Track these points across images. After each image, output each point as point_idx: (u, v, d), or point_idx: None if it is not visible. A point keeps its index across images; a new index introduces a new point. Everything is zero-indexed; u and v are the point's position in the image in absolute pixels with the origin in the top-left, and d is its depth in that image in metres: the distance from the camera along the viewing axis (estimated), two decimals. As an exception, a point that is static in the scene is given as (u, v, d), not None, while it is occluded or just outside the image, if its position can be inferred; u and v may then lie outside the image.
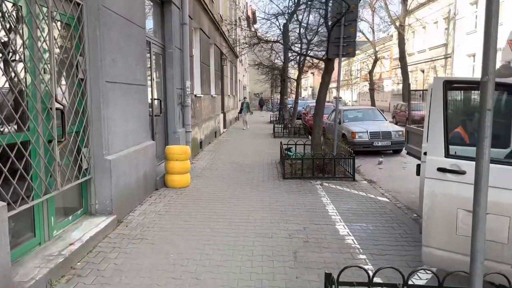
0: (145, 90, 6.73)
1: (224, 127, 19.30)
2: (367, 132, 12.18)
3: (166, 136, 8.97)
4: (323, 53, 14.27)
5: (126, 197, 5.60)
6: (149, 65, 7.77)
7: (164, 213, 5.79)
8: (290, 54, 20.45)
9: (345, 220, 5.54)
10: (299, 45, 13.38)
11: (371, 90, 35.83)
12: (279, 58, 25.37)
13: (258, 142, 15.06)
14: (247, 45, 17.73)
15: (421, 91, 9.96)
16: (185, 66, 9.65)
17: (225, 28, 19.04)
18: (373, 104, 36.36)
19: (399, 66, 37.88)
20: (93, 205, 5.04)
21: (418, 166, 6.69)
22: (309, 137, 16.67)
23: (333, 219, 5.61)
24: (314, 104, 23.14)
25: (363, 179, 8.43)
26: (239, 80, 32.17)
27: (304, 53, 12.98)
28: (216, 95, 16.26)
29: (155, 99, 8.05)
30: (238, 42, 24.80)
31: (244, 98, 24.88)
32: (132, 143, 6.07)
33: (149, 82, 7.84)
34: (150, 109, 7.83)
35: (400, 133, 12.34)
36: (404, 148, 7.02)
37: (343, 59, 16.23)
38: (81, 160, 4.76)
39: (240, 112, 22.12)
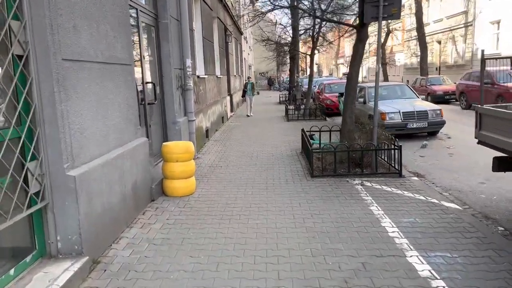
0: (131, 72, 5.05)
1: (231, 110, 17.60)
2: (399, 112, 10.43)
3: (164, 128, 7.31)
4: (342, 18, 12.53)
5: (106, 224, 3.99)
6: (137, 39, 6.05)
7: (161, 242, 4.18)
8: (302, 27, 18.57)
9: (416, 246, 3.90)
10: (314, 11, 11.50)
11: (383, 64, 33.78)
12: (287, 33, 23.44)
13: (270, 127, 13.35)
14: (256, 14, 15.98)
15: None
16: (185, 41, 7.91)
17: (229, 1, 17.14)
18: (385, 79, 34.37)
19: (413, 37, 35.75)
20: (53, 244, 3.43)
21: (497, 159, 5.04)
22: (327, 119, 14.95)
23: (398, 244, 3.97)
24: (329, 81, 21.40)
25: (411, 174, 6.76)
26: (244, 59, 30.26)
27: (326, 18, 11.07)
28: (221, 76, 14.51)
29: (147, 82, 6.36)
30: (242, 18, 22.87)
31: (249, 78, 20.34)
32: (115, 145, 4.43)
33: (138, 62, 6.14)
34: (142, 96, 6.15)
35: (438, 112, 10.58)
36: (475, 136, 5.29)
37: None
38: (25, 180, 3.12)
39: (244, 95, 17.90)
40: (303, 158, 8.09)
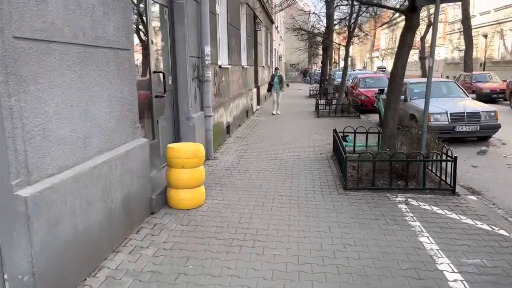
0: (128, 58, 4.12)
1: (258, 103, 16.60)
2: (446, 113, 9.15)
3: (177, 125, 6.40)
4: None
5: (79, 254, 3.11)
6: (141, 19, 5.13)
7: (149, 277, 3.26)
8: (337, 17, 17.32)
9: (491, 309, 2.83)
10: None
11: (422, 58, 31.89)
12: (321, 23, 22.18)
13: (298, 123, 12.28)
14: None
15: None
16: (204, 26, 6.95)
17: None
18: (424, 74, 32.41)
19: (455, 30, 33.52)
20: (-5, 287, 2.56)
21: None
22: (361, 116, 13.74)
23: (465, 303, 2.90)
24: (364, 75, 20.01)
25: (465, 190, 5.60)
26: (275, 49, 29.12)
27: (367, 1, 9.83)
28: (248, 66, 13.51)
29: (155, 72, 5.44)
30: (274, 5, 21.74)
31: (276, 69, 16.31)
32: (99, 149, 3.53)
33: (143, 47, 5.23)
34: (148, 88, 5.26)
35: (492, 114, 9.25)
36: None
37: (398, 17, 13.04)
38: None
39: (270, 89, 14.99)
40: (334, 163, 7.03)
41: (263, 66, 19.51)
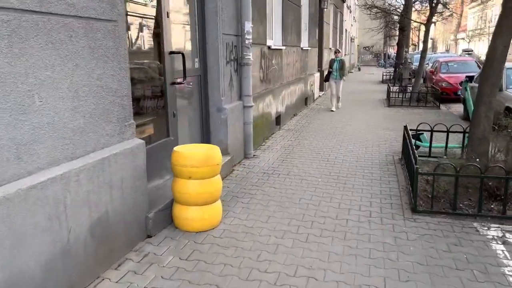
0: (114, 33, 3.05)
1: (321, 89, 15.09)
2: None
3: (205, 118, 5.31)
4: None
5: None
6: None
7: None
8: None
9: None
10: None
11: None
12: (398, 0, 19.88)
13: (364, 114, 10.67)
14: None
15: None
16: (245, -3, 5.74)
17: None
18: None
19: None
20: None
21: None
22: (441, 107, 11.76)
23: None
24: (446, 58, 17.54)
25: None
26: (346, 30, 27.05)
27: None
28: (310, 48, 12.07)
29: (171, 52, 4.34)
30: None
31: (336, 52, 11.53)
32: (51, 159, 2.52)
33: (151, 19, 4.17)
34: (158, 73, 4.20)
35: None
36: None
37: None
38: None
39: (327, 79, 11.40)
40: (402, 170, 5.54)
41: (330, 48, 17.84)
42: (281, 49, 8.45)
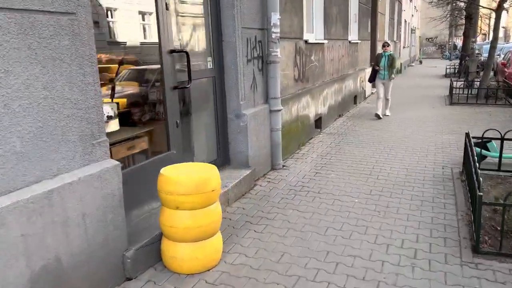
0: (71, 29, 2.42)
1: (374, 86, 13.82)
2: None
3: (221, 125, 4.60)
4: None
5: None
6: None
7: None
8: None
9: None
10: None
11: None
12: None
13: (421, 113, 9.43)
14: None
15: None
16: (272, -16, 4.94)
17: None
18: None
19: None
20: None
21: None
22: (515, 105, 10.19)
23: None
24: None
25: None
26: (405, 21, 25.20)
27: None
28: (360, 41, 10.98)
29: (173, 51, 3.66)
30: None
31: (384, 45, 9.18)
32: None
33: (150, 13, 3.53)
34: (157, 76, 3.55)
35: None
36: None
37: None
38: None
39: (372, 78, 9.19)
40: (463, 187, 4.50)
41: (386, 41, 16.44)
42: (322, 43, 7.54)
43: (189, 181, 2.80)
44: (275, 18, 5.00)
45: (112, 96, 3.36)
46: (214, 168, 3.00)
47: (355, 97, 10.65)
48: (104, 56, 5.63)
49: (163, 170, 2.91)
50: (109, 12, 3.31)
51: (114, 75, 3.46)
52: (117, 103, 3.52)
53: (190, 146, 4.16)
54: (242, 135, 4.60)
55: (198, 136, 4.34)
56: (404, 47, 25.09)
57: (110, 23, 3.37)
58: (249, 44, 4.71)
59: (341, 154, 6.04)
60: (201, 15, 4.22)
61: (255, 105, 4.90)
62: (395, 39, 19.84)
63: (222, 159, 4.67)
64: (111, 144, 3.06)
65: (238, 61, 4.47)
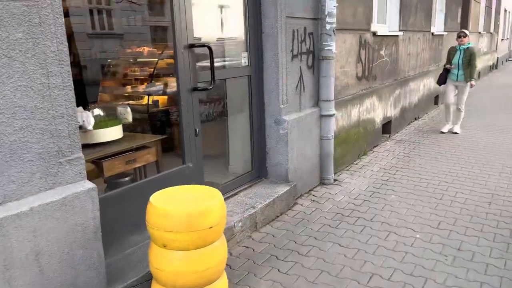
0: (22, 19, 1.90)
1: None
2: None
3: (258, 132, 3.92)
4: None
5: None
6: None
7: None
8: None
9: None
10: None
11: None
12: None
13: (518, 119, 7.93)
14: None
15: None
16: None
17: None
18: None
19: None
20: None
21: None
22: None
23: None
24: None
25: None
26: (505, 10, 22.33)
27: None
28: (446, 33, 9.58)
29: (192, 46, 3.05)
30: None
31: (460, 36, 6.58)
32: None
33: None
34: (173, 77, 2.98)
35: None
36: None
37: None
38: None
39: (443, 80, 6.95)
40: None
41: (479, 33, 14.52)
42: (396, 36, 6.50)
43: (178, 214, 2.17)
44: (331, 5, 4.18)
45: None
46: (216, 197, 2.34)
47: (436, 97, 9.32)
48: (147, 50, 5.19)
49: (152, 197, 2.31)
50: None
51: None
52: (128, 105, 3.02)
53: (215, 157, 3.56)
54: (282, 145, 3.88)
55: (227, 145, 3.73)
56: (502, 39, 22.29)
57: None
58: (296, 36, 3.96)
59: (409, 168, 5.06)
60: (233, 3, 3.56)
61: (301, 109, 4.15)
62: (491, 30, 17.57)
63: (258, 171, 4.00)
64: (105, 157, 2.55)
65: (280, 57, 3.75)
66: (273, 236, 3.37)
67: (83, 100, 5.41)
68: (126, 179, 2.90)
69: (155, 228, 2.20)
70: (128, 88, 4.72)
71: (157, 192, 2.36)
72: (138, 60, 5.07)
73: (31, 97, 1.96)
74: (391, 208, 3.89)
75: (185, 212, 2.18)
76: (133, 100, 4.47)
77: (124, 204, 2.60)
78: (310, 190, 4.33)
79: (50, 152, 2.06)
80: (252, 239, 3.32)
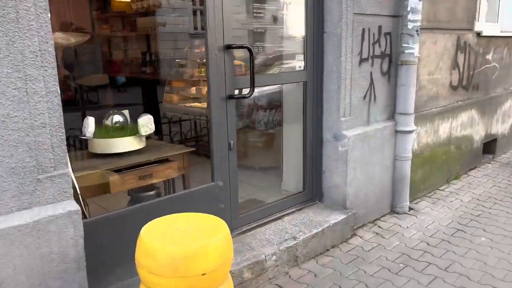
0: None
1: None
2: None
3: (315, 148, 3.36)
4: None
5: None
6: None
7: None
8: None
9: None
10: None
11: None
12: None
13: None
14: None
15: None
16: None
17: None
18: None
19: None
20: None
21: None
22: None
23: None
24: None
25: None
26: None
27: None
28: None
29: (229, 47, 2.63)
30: None
31: None
32: None
33: None
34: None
35: None
36: None
37: None
38: None
39: None
40: None
41: None
42: (510, 37, 5.37)
43: (163, 254, 1.75)
44: (415, 0, 3.45)
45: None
46: (219, 233, 1.87)
47: None
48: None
49: (145, 227, 1.93)
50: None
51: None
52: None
53: (269, 170, 3.10)
54: (340, 164, 3.28)
55: (281, 158, 3.25)
56: None
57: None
58: (366, 37, 3.32)
59: (511, 201, 4.06)
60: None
61: (369, 122, 3.49)
62: None
63: (311, 193, 3.45)
64: (115, 171, 2.26)
65: (343, 60, 3.15)
66: (315, 275, 2.81)
67: (153, 99, 5.38)
68: (144, 194, 2.59)
69: (140, 266, 1.82)
70: (190, 90, 4.49)
71: (153, 221, 1.98)
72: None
73: (3, 103, 1.70)
74: (476, 255, 3.06)
75: (170, 252, 1.76)
76: (189, 102, 4.23)
77: (126, 228, 2.28)
78: (375, 220, 3.64)
79: (26, 167, 1.79)
80: (289, 276, 2.79)
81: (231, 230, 2.82)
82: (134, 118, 2.70)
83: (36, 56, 1.76)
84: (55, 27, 5.60)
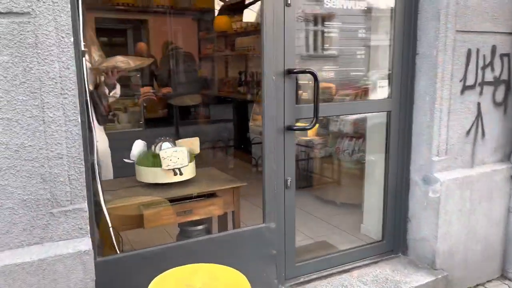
0: (12, 37, 1.58)
1: None
2: None
3: (394, 190, 2.80)
4: None
5: None
6: None
7: None
8: None
9: None
10: None
11: None
12: None
13: None
14: None
15: None
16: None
17: None
18: None
19: None
20: None
21: None
22: None
23: None
24: None
25: None
26: None
27: None
28: None
29: (292, 72, 2.30)
30: None
31: None
32: None
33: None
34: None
35: None
36: None
37: None
38: None
39: None
40: None
41: None
42: None
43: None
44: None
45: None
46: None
47: None
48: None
49: (154, 282, 1.67)
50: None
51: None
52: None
53: (335, 210, 2.68)
54: (430, 213, 2.67)
55: (362, 198, 2.79)
56: None
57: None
58: (473, 59, 2.68)
59: None
60: (369, 11, 2.60)
61: (473, 164, 2.80)
62: None
63: (391, 243, 2.88)
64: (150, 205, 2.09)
65: (438, 87, 2.57)
66: None
67: (244, 118, 5.25)
68: (191, 228, 2.36)
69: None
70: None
71: (166, 273, 1.72)
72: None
73: (17, 132, 1.61)
74: None
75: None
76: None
77: (155, 270, 2.06)
78: (478, 285, 2.90)
79: (39, 200, 1.68)
80: None
81: (284, 281, 2.46)
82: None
83: (56, 83, 1.65)
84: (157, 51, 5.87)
